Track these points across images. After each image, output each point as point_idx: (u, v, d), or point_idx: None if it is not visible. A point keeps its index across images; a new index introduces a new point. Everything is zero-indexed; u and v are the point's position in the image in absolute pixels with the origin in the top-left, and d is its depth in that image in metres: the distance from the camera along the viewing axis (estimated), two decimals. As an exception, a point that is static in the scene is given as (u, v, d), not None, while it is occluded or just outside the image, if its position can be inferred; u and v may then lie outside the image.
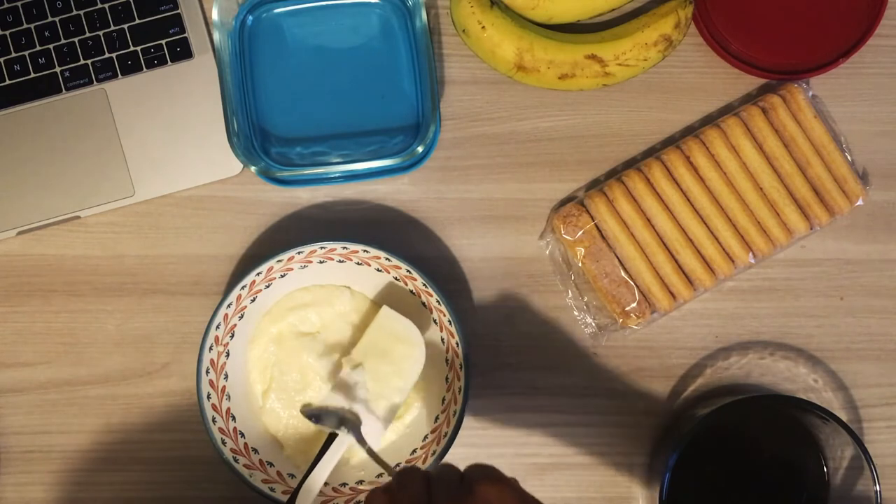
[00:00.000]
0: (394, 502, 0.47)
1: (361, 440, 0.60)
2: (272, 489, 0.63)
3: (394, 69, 0.70)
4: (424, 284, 0.64)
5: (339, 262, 0.66)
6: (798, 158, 0.69)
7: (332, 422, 0.61)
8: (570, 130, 0.72)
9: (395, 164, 0.66)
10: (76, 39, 0.70)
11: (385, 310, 0.65)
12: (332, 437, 0.62)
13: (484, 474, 0.48)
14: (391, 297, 0.68)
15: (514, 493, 0.47)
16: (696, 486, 0.66)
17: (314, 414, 0.62)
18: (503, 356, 0.70)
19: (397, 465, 0.65)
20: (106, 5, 0.70)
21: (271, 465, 0.65)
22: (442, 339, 0.66)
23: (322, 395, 0.66)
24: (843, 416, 0.69)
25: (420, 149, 0.66)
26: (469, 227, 0.71)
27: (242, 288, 0.64)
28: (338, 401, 0.62)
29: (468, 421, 0.68)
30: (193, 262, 0.70)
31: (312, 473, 0.61)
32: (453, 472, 0.49)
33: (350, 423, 0.61)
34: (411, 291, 0.67)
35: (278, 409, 0.67)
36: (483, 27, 0.67)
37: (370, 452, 0.59)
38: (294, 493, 0.61)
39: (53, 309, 0.70)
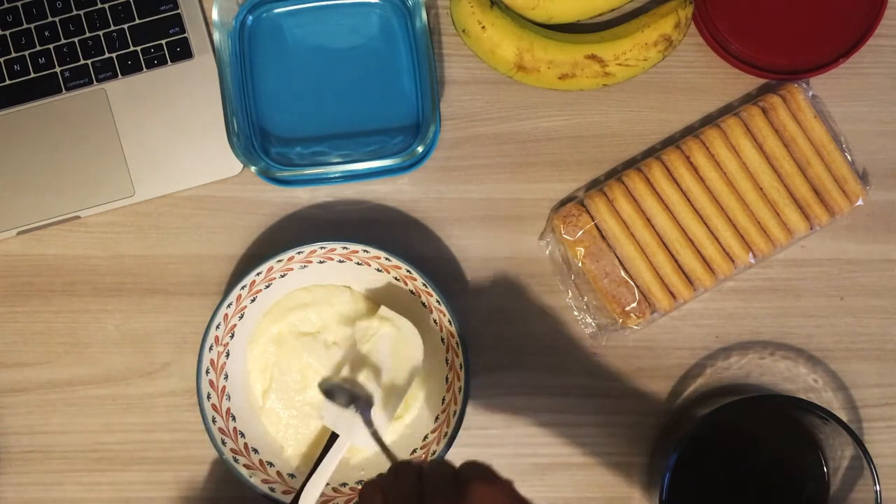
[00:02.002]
0: (386, 496, 0.46)
1: (369, 421, 0.60)
2: (272, 489, 0.63)
3: (394, 69, 0.70)
4: (424, 284, 0.64)
5: (339, 262, 0.66)
6: (798, 158, 0.69)
7: (343, 399, 0.61)
8: (570, 130, 0.72)
9: (395, 164, 0.66)
10: (76, 39, 0.70)
11: (383, 310, 0.65)
12: (333, 438, 0.62)
13: (478, 474, 0.46)
14: (391, 298, 0.68)
15: (509, 496, 0.45)
16: (696, 486, 0.66)
17: (329, 388, 0.61)
18: (503, 356, 0.70)
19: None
20: (106, 5, 0.70)
21: (271, 465, 0.65)
22: (442, 339, 0.66)
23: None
24: (843, 416, 0.69)
25: (420, 149, 0.66)
26: (469, 227, 0.71)
27: (242, 288, 0.64)
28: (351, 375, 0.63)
29: (468, 421, 0.68)
30: (193, 262, 0.70)
31: (314, 476, 0.61)
32: (446, 468, 0.47)
33: (362, 401, 0.61)
34: (411, 291, 0.66)
35: (278, 409, 0.67)
36: (483, 27, 0.67)
37: (375, 435, 0.59)
38: (296, 496, 0.61)
39: (53, 309, 0.70)
